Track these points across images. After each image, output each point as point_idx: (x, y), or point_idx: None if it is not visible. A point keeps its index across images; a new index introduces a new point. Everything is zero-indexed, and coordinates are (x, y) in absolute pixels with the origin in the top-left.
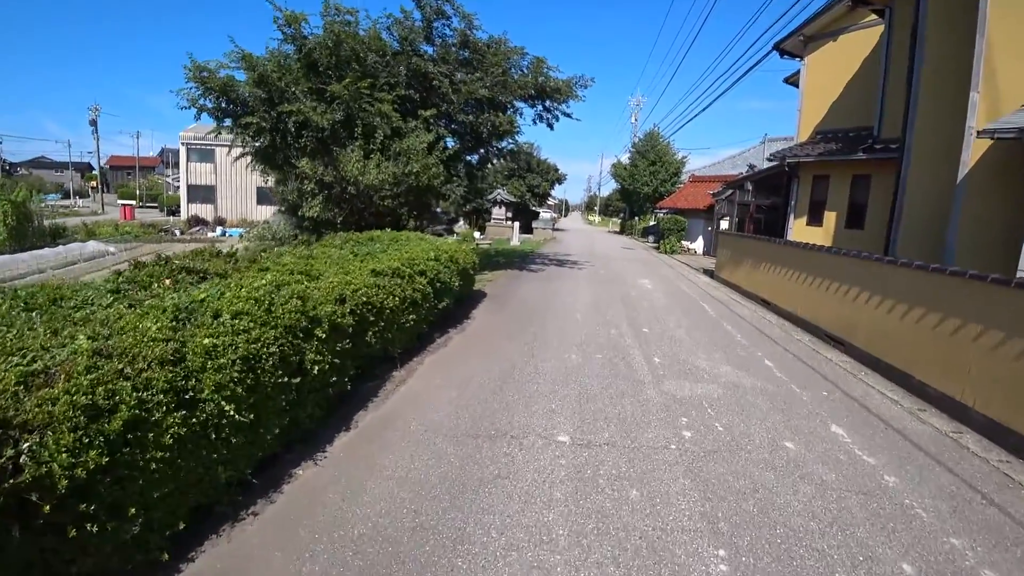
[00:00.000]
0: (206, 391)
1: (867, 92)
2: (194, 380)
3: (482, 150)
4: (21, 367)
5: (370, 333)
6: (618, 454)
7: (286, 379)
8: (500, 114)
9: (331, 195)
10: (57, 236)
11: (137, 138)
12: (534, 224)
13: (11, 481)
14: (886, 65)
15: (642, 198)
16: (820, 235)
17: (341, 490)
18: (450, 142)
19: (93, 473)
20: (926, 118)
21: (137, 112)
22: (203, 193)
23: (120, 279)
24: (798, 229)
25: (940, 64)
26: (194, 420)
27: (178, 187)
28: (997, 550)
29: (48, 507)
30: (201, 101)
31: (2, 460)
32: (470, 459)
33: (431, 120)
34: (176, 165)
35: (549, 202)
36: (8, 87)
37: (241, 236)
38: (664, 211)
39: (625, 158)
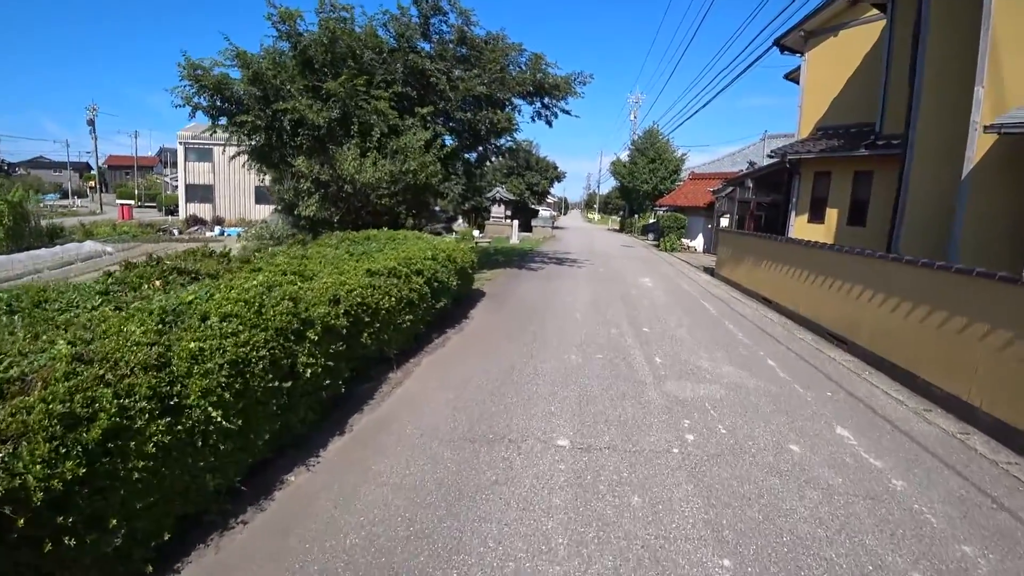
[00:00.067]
0: (192, 397)
1: (868, 88)
2: (179, 386)
3: (480, 148)
4: None
5: (365, 334)
6: (619, 458)
7: (277, 383)
8: (498, 111)
9: (327, 194)
10: (54, 236)
11: (135, 138)
12: (533, 222)
13: None
14: (888, 60)
15: (642, 196)
16: (822, 232)
17: (334, 497)
18: (448, 140)
19: (70, 484)
20: (929, 113)
21: (136, 112)
22: (201, 192)
23: (109, 280)
24: (799, 226)
25: (944, 59)
26: (179, 427)
27: (176, 187)
28: (1010, 558)
29: (22, 520)
30: (196, 99)
31: None
32: (467, 464)
33: (428, 118)
34: (174, 165)
35: (548, 200)
36: (7, 87)
37: (239, 236)
38: (664, 209)
39: (624, 156)
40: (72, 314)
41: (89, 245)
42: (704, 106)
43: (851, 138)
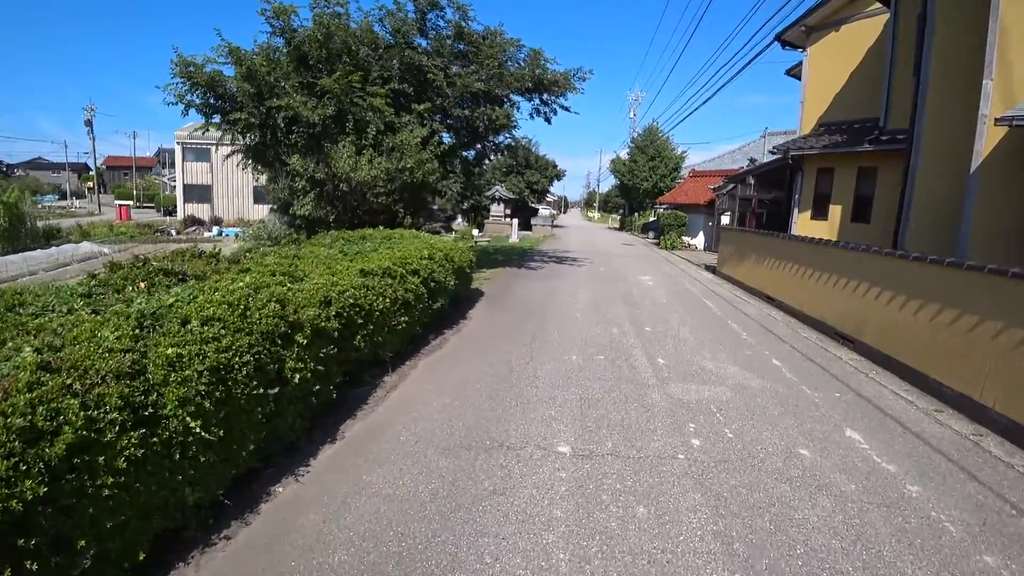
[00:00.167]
0: (169, 406)
1: (872, 83)
2: (155, 395)
3: (479, 145)
4: None
5: (359, 337)
6: (622, 465)
7: (263, 390)
8: (496, 108)
9: (323, 193)
10: (51, 237)
11: (134, 138)
12: (533, 221)
13: None
14: (892, 54)
15: (641, 194)
16: (825, 229)
17: (323, 510)
18: (446, 137)
19: (32, 504)
20: (936, 107)
21: (135, 113)
22: (199, 193)
23: (93, 282)
24: (802, 223)
25: (950, 52)
26: (155, 439)
27: (175, 187)
28: None
29: None
30: (188, 97)
31: None
32: (464, 473)
33: (425, 114)
34: (173, 165)
35: (548, 199)
36: (5, 88)
37: (237, 236)
38: (664, 207)
39: (624, 153)
40: (47, 318)
41: (86, 246)
42: (704, 103)
43: (854, 134)
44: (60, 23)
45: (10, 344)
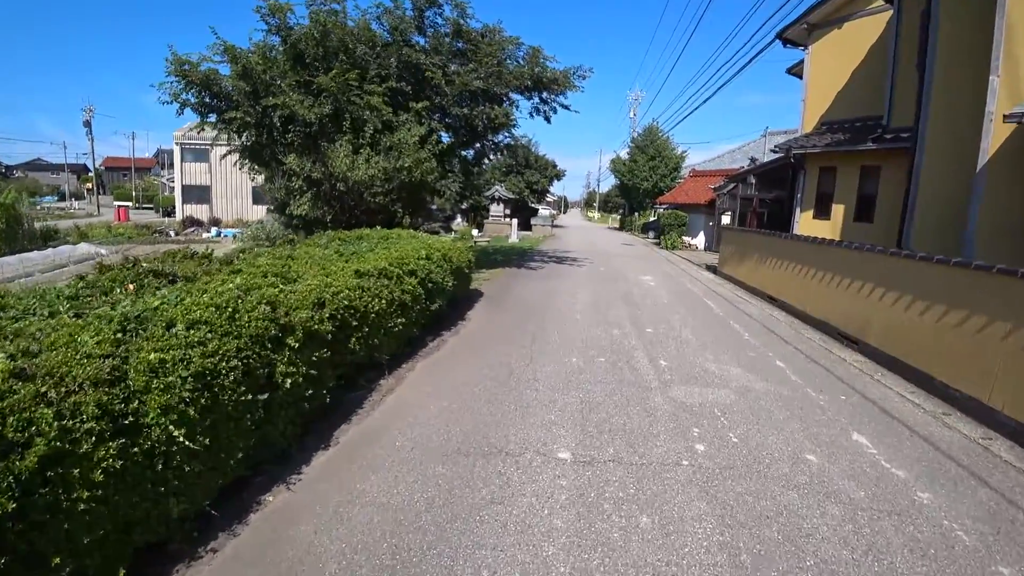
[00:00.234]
0: (151, 415)
1: (874, 81)
2: (136, 402)
3: (477, 144)
4: None
5: (353, 339)
6: (625, 472)
7: (251, 395)
8: (495, 107)
9: (320, 192)
10: (48, 239)
11: (132, 139)
12: (533, 221)
13: None
14: (895, 52)
15: (641, 194)
16: (827, 228)
17: (314, 520)
18: (444, 136)
19: (1, 521)
20: (940, 105)
21: (134, 113)
22: (198, 193)
23: (80, 284)
24: (804, 223)
25: (955, 48)
26: (136, 449)
27: (173, 188)
28: None
29: None
30: (183, 96)
31: None
32: (461, 480)
33: (423, 113)
34: (171, 166)
35: (548, 199)
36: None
37: (235, 237)
38: (664, 206)
39: (624, 153)
40: (27, 322)
41: (83, 247)
42: (705, 102)
43: (857, 132)
44: (59, 23)
45: None
